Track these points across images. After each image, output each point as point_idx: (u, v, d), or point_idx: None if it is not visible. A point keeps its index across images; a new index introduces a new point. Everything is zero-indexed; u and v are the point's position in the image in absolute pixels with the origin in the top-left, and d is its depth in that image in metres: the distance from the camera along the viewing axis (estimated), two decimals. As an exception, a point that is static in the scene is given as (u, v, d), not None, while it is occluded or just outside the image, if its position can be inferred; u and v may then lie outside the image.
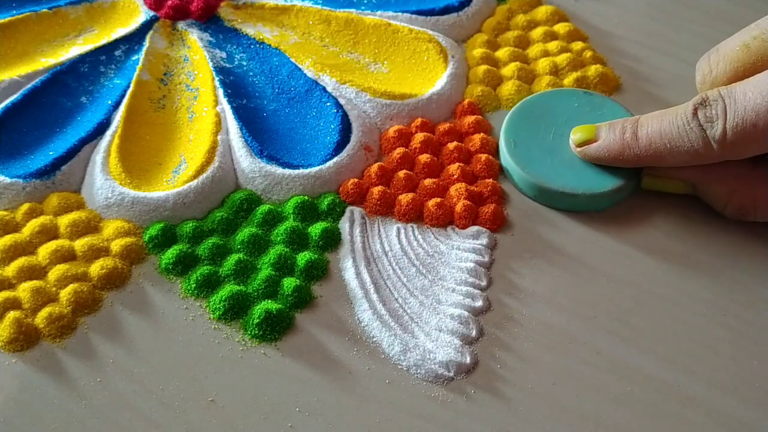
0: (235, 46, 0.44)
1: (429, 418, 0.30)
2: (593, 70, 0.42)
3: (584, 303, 0.33)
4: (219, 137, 0.38)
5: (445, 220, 0.36)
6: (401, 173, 0.37)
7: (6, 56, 0.42)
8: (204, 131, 0.39)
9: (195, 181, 0.36)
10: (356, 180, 0.37)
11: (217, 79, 0.41)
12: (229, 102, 0.40)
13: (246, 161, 0.37)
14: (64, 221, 0.35)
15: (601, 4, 0.47)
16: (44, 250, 0.34)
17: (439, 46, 0.43)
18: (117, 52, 0.43)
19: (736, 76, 0.34)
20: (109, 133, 0.38)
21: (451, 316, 0.32)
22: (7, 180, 0.36)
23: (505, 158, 0.38)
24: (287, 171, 0.37)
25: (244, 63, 0.43)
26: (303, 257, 0.34)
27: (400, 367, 0.31)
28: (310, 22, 0.44)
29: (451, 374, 0.31)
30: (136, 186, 0.36)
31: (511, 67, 0.42)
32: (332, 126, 0.39)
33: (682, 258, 0.35)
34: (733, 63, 0.34)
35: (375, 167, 0.37)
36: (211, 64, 0.42)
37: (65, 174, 0.37)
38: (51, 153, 0.37)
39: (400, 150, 0.38)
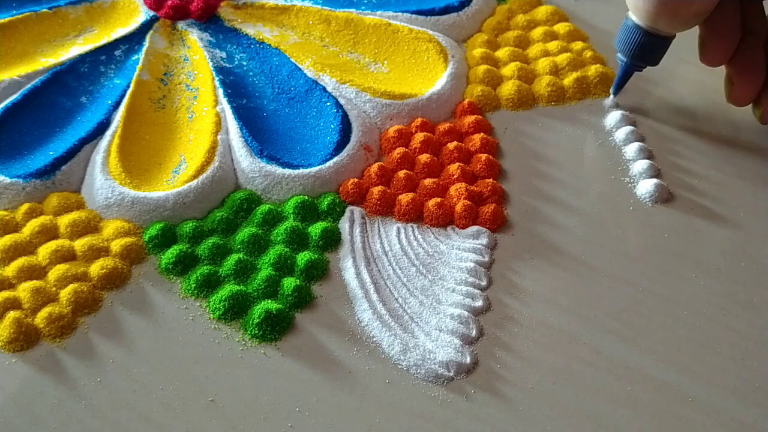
0: (235, 46, 0.44)
1: (429, 418, 0.29)
2: (593, 70, 0.42)
3: (584, 303, 0.33)
4: (219, 137, 0.38)
5: (445, 220, 0.36)
6: (401, 173, 0.37)
7: (6, 56, 0.42)
8: (204, 131, 0.39)
9: (195, 181, 0.36)
10: (356, 180, 0.37)
11: (217, 79, 0.41)
12: (229, 102, 0.40)
13: (246, 161, 0.37)
14: (64, 221, 0.35)
15: (601, 4, 0.47)
16: (44, 250, 0.34)
17: (439, 46, 0.43)
18: (117, 52, 0.43)
19: None
20: (109, 133, 0.38)
21: (451, 316, 0.32)
22: (7, 180, 0.36)
23: None
24: (287, 171, 0.37)
25: (244, 63, 0.43)
26: (303, 257, 0.34)
27: (400, 367, 0.31)
28: (310, 22, 0.44)
29: (451, 374, 0.31)
30: (136, 186, 0.36)
31: (511, 67, 0.42)
32: (332, 126, 0.39)
33: (682, 258, 0.35)
34: None
35: (375, 167, 0.37)
36: (211, 64, 0.42)
37: (65, 174, 0.37)
38: (51, 153, 0.37)
39: (400, 150, 0.38)
